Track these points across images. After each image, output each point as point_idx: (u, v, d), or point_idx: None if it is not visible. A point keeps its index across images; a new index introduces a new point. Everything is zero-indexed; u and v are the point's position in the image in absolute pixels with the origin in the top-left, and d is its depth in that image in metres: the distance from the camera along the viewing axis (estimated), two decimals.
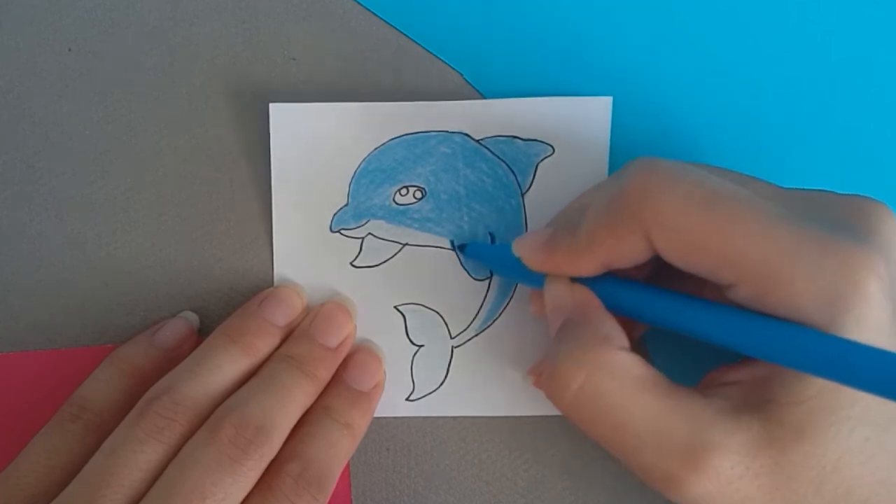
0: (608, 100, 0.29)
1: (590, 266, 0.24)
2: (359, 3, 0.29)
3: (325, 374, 0.27)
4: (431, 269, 0.29)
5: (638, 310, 0.24)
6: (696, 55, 0.30)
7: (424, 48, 0.29)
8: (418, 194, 0.29)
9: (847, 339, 0.19)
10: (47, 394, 0.29)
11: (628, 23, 0.29)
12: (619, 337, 0.23)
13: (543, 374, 0.23)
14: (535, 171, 0.29)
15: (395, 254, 0.29)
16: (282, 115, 0.29)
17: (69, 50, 0.29)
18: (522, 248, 0.25)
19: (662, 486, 0.22)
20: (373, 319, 0.29)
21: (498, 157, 0.29)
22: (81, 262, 0.29)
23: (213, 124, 0.29)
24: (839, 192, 0.24)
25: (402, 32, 0.29)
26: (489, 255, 0.28)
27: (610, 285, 0.24)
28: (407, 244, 0.29)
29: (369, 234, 0.29)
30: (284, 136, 0.29)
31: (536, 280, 0.25)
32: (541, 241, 0.25)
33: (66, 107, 0.29)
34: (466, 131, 0.29)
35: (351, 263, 0.29)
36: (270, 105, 0.29)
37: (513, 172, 0.29)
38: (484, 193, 0.29)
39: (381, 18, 0.29)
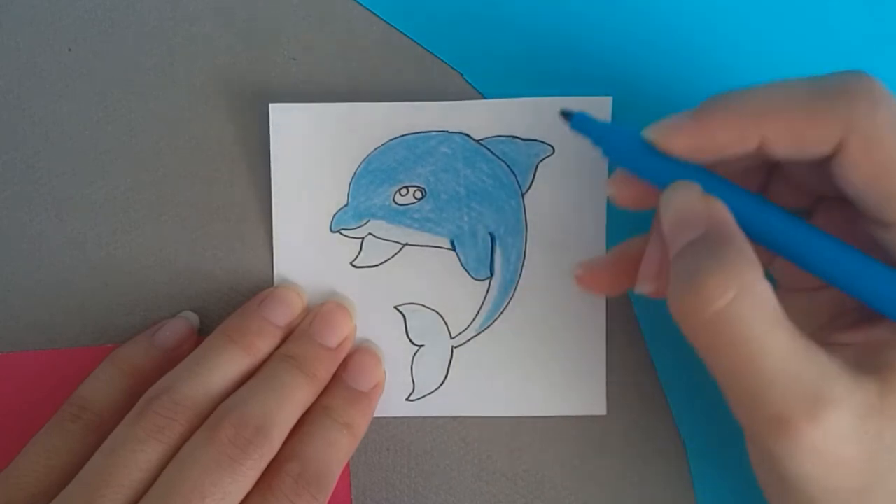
0: (608, 100, 0.29)
1: (747, 140, 0.22)
2: (359, 3, 0.29)
3: (324, 374, 0.27)
4: (431, 269, 0.29)
5: (776, 239, 0.22)
6: (695, 55, 0.30)
7: (424, 48, 0.29)
8: (418, 194, 0.29)
9: None
10: (47, 394, 0.29)
11: (628, 23, 0.29)
12: (760, 266, 0.21)
13: (674, 285, 0.21)
14: (535, 172, 0.29)
15: (395, 254, 0.29)
16: (282, 116, 0.29)
17: (69, 50, 0.29)
18: (661, 128, 0.23)
19: (770, 431, 0.21)
20: (373, 319, 0.29)
21: (498, 157, 0.29)
22: (81, 262, 0.29)
23: (213, 124, 0.29)
24: None
25: (402, 32, 0.29)
26: (604, 134, 0.25)
27: (748, 205, 0.22)
28: (407, 244, 0.29)
29: (369, 234, 0.29)
30: (284, 136, 0.29)
31: (655, 173, 0.23)
32: (687, 117, 0.22)
33: (66, 107, 0.29)
34: (466, 131, 0.29)
35: (351, 263, 0.29)
36: (270, 105, 0.29)
37: (513, 172, 0.29)
38: (484, 193, 0.29)
39: (381, 18, 0.29)
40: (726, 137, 0.22)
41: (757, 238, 0.22)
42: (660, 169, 0.23)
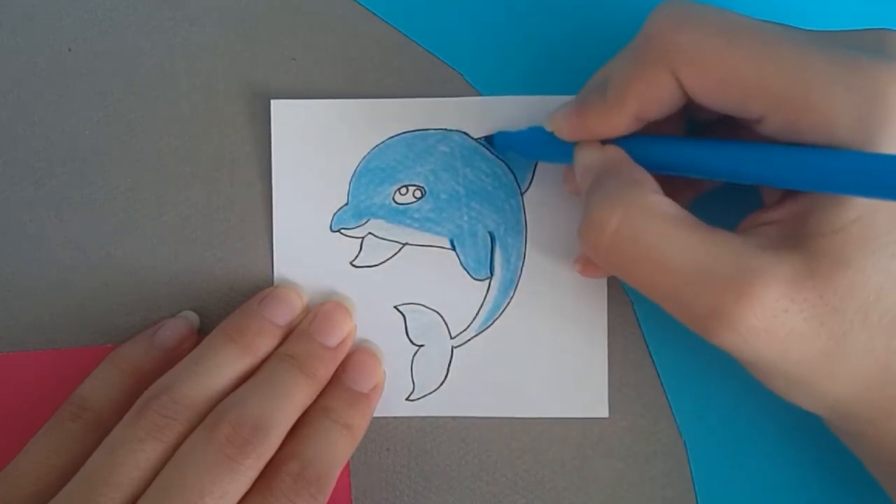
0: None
1: (622, 121, 0.23)
2: (359, 3, 0.29)
3: (324, 373, 0.27)
4: (431, 269, 0.29)
5: (670, 160, 0.23)
6: None
7: (424, 48, 0.29)
8: (418, 193, 0.29)
9: (883, 154, 0.19)
10: (47, 394, 0.29)
11: (627, 23, 0.29)
12: (652, 183, 0.23)
13: (580, 227, 0.23)
14: (535, 171, 0.29)
15: (395, 254, 0.29)
16: (283, 112, 0.29)
17: (69, 50, 0.29)
18: (554, 120, 0.25)
19: (707, 325, 0.21)
20: (373, 319, 0.29)
21: (497, 157, 0.29)
22: (81, 262, 0.29)
23: (213, 124, 0.29)
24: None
25: (402, 32, 0.29)
26: (518, 141, 0.28)
27: (639, 142, 0.24)
28: (407, 244, 0.29)
29: (369, 233, 0.29)
30: (285, 132, 0.29)
31: (569, 155, 0.25)
32: (572, 108, 0.24)
33: (66, 107, 0.29)
34: (465, 129, 0.29)
35: (351, 263, 0.29)
36: (272, 101, 0.29)
37: (512, 172, 0.29)
38: (483, 193, 0.29)
39: (381, 18, 0.29)
40: (602, 129, 0.24)
41: (664, 168, 0.24)
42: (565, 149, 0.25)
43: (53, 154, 0.29)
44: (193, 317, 0.29)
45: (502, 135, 0.28)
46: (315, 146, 0.29)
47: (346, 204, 0.29)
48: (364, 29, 0.29)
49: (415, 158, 0.29)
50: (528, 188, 0.29)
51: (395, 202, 0.29)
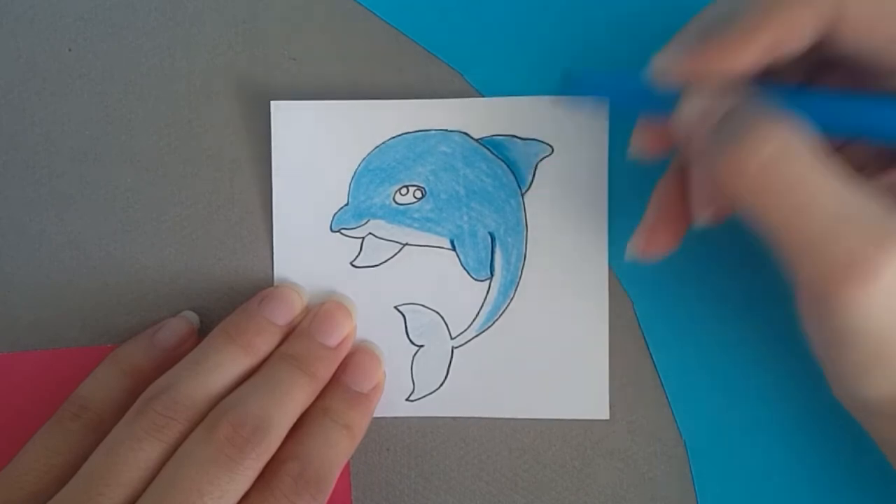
0: (605, 99, 0.29)
1: (751, 56, 0.21)
2: (359, 3, 0.29)
3: (324, 373, 0.27)
4: (431, 269, 0.29)
5: (809, 112, 0.21)
6: None
7: (424, 48, 0.29)
8: (418, 194, 0.29)
9: None
10: (47, 394, 0.29)
11: (627, 23, 0.29)
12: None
13: (716, 152, 0.21)
14: (535, 171, 0.29)
15: (395, 254, 0.29)
16: (283, 113, 0.29)
17: (69, 50, 0.29)
18: (664, 58, 0.23)
19: (837, 280, 0.20)
20: (373, 319, 0.29)
21: (497, 157, 0.29)
22: (81, 262, 0.29)
23: (214, 124, 0.29)
24: None
25: (402, 32, 0.29)
26: (605, 84, 0.25)
27: (769, 91, 0.22)
28: (407, 244, 0.29)
29: (369, 233, 0.29)
30: (285, 133, 0.29)
31: (667, 103, 0.23)
32: (685, 45, 0.22)
33: (66, 107, 0.29)
34: (465, 130, 0.29)
35: (351, 263, 0.29)
36: (272, 102, 0.29)
37: (512, 172, 0.29)
38: (483, 193, 0.29)
39: (381, 18, 0.29)
40: (723, 64, 0.22)
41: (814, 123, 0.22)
42: (670, 99, 0.23)
43: (53, 154, 0.29)
44: (194, 317, 0.29)
45: (583, 75, 0.25)
46: (315, 146, 0.29)
47: (347, 204, 0.29)
48: (364, 29, 0.29)
49: (415, 159, 0.29)
50: (528, 188, 0.29)
51: (396, 202, 0.29)
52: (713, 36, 0.22)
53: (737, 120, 0.21)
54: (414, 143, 0.29)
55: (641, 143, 0.25)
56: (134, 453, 0.24)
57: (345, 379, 0.28)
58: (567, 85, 0.26)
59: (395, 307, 0.29)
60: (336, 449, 0.26)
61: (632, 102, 0.25)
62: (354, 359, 0.28)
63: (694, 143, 0.22)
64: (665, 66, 0.23)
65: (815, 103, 0.22)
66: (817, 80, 0.24)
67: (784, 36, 0.21)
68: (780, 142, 0.20)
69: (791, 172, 0.20)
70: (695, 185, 0.24)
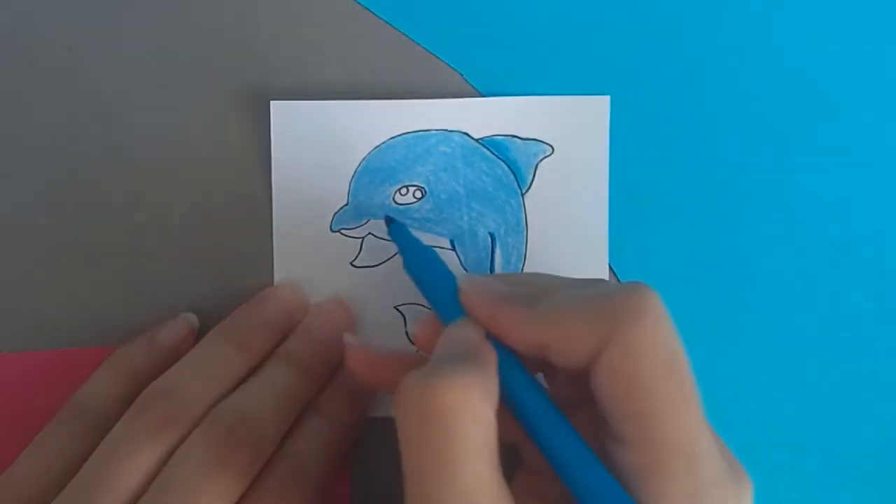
0: (605, 98, 0.29)
1: (526, 343, 0.22)
2: (359, 3, 0.29)
3: (324, 371, 0.27)
4: None
5: (516, 403, 0.22)
6: (694, 53, 0.30)
7: (424, 48, 0.29)
8: (418, 194, 0.29)
9: None
10: (47, 394, 0.29)
11: (626, 22, 0.29)
12: (497, 407, 0.20)
13: (417, 371, 0.20)
14: (535, 171, 0.29)
15: (396, 254, 0.29)
16: (283, 112, 0.29)
17: (69, 50, 0.29)
18: (472, 288, 0.23)
19: None
20: (373, 319, 0.29)
21: (497, 157, 0.29)
22: (82, 261, 0.29)
23: (214, 124, 0.29)
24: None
25: (402, 32, 0.29)
26: (412, 251, 0.26)
27: (515, 375, 0.22)
28: None
29: (369, 233, 0.29)
30: (285, 133, 0.29)
31: (444, 308, 0.24)
32: (495, 291, 0.23)
33: (66, 107, 0.29)
34: (465, 130, 0.29)
35: (351, 263, 0.29)
36: (271, 102, 0.29)
37: (512, 172, 0.29)
38: (484, 193, 0.29)
39: (381, 18, 0.29)
40: (508, 332, 0.22)
41: (514, 410, 0.22)
42: (451, 308, 0.23)
43: (53, 154, 0.29)
44: (193, 318, 0.29)
45: (400, 228, 0.27)
46: (315, 146, 0.29)
47: (346, 204, 0.29)
48: (364, 29, 0.29)
49: (415, 158, 0.29)
50: (528, 188, 0.29)
51: (396, 202, 0.29)
52: (513, 301, 0.22)
53: (455, 357, 0.21)
54: (414, 143, 0.29)
55: (418, 332, 0.25)
56: (133, 456, 0.24)
57: (340, 378, 0.28)
58: (388, 224, 0.27)
59: (395, 307, 0.29)
60: (330, 448, 0.26)
61: (425, 283, 0.25)
62: None
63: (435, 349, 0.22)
64: (471, 295, 0.23)
65: (546, 426, 0.21)
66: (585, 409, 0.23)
67: (561, 348, 0.21)
68: (462, 398, 0.19)
69: (455, 428, 0.19)
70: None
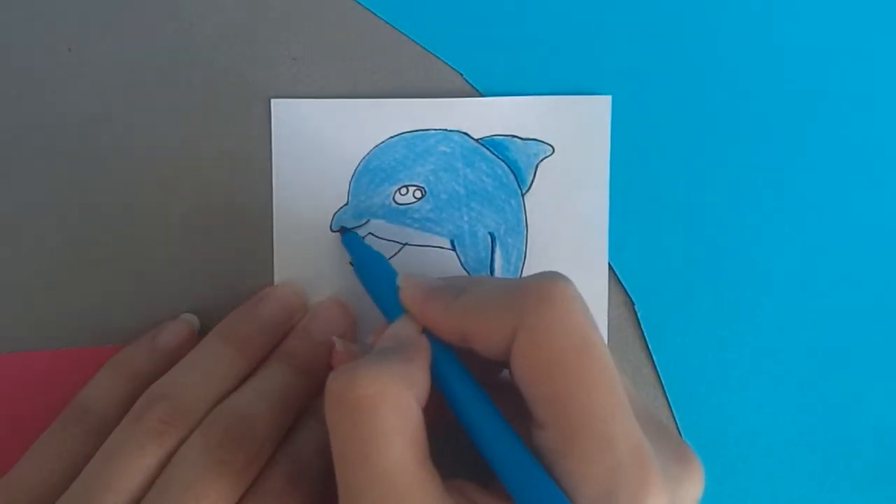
0: (607, 98, 0.29)
1: (451, 333, 0.23)
2: (359, 3, 0.29)
3: (324, 370, 0.27)
4: (432, 270, 0.29)
5: (446, 392, 0.23)
6: (694, 53, 0.30)
7: (424, 48, 0.29)
8: (418, 194, 0.29)
9: None
10: (48, 394, 0.29)
11: (627, 22, 0.29)
12: (424, 395, 0.22)
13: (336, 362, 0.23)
14: (536, 172, 0.29)
15: (395, 254, 0.29)
16: (283, 111, 0.29)
17: (69, 50, 0.29)
18: (407, 284, 0.25)
19: None
20: (373, 319, 0.29)
21: (497, 157, 0.29)
22: (81, 261, 0.29)
23: (214, 124, 0.29)
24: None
25: (402, 32, 0.29)
26: (362, 257, 0.28)
27: (444, 356, 0.23)
28: (407, 244, 0.29)
29: (369, 233, 0.29)
30: (285, 132, 0.29)
31: (389, 308, 0.25)
32: (425, 285, 0.24)
33: (66, 107, 0.29)
34: (465, 130, 0.29)
35: (351, 263, 0.29)
36: (272, 100, 0.29)
37: (512, 172, 0.29)
38: (484, 193, 0.29)
39: (381, 18, 0.29)
40: (432, 323, 0.24)
41: (442, 390, 0.23)
42: (393, 306, 0.25)
43: (53, 154, 0.29)
44: (193, 319, 0.29)
45: (353, 238, 0.28)
46: (315, 146, 0.29)
47: (346, 204, 0.29)
48: (364, 29, 0.29)
49: (415, 158, 0.29)
50: (528, 189, 0.29)
51: (396, 202, 0.29)
52: (438, 294, 0.24)
53: (378, 353, 0.22)
54: (414, 143, 0.29)
55: (374, 339, 0.26)
56: (133, 459, 0.24)
57: None
58: (344, 237, 0.29)
59: None
60: (326, 448, 0.26)
61: (372, 286, 0.27)
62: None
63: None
64: (405, 289, 0.25)
65: (472, 410, 0.22)
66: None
67: (478, 338, 0.22)
68: (379, 392, 0.20)
69: (374, 420, 0.20)
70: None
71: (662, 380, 0.29)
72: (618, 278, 0.29)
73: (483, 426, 0.22)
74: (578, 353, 0.21)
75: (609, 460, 0.20)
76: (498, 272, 0.29)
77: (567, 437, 0.21)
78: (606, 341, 0.29)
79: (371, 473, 0.20)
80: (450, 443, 0.23)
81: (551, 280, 0.22)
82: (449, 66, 0.29)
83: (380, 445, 0.20)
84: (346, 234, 0.29)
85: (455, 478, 0.22)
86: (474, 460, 0.22)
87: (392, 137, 0.29)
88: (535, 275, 0.23)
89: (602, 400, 0.21)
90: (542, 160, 0.29)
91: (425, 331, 0.24)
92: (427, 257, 0.29)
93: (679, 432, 0.29)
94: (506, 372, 0.24)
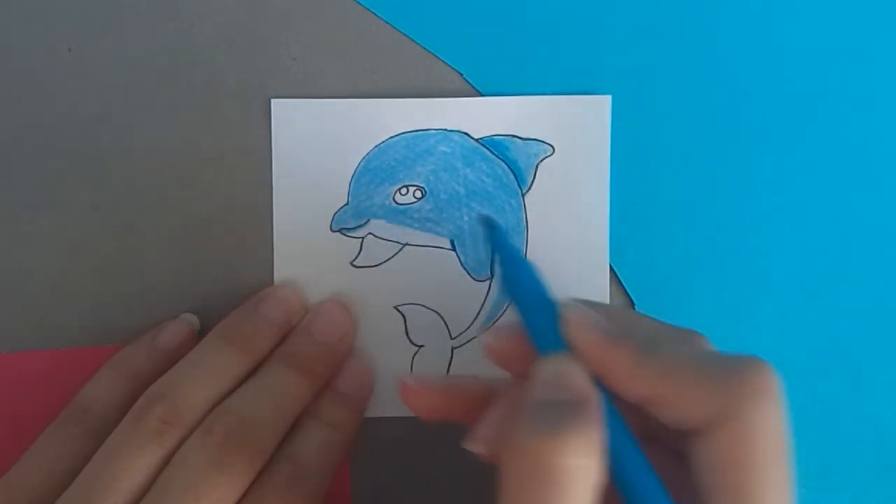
0: (607, 98, 0.29)
1: (642, 392, 0.21)
2: (359, 3, 0.29)
3: (324, 371, 0.27)
4: (431, 269, 0.29)
5: (615, 464, 0.20)
6: (694, 52, 0.30)
7: (424, 48, 0.29)
8: (418, 194, 0.29)
9: None
10: (47, 394, 0.29)
11: (627, 22, 0.29)
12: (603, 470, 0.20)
13: (529, 424, 0.19)
14: (536, 172, 0.29)
15: (395, 254, 0.29)
16: (283, 112, 0.29)
17: (69, 50, 0.29)
18: (578, 321, 0.22)
19: None
20: (373, 319, 0.29)
21: (497, 157, 0.29)
22: (81, 262, 0.29)
23: (214, 124, 0.29)
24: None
25: (402, 32, 0.29)
26: (512, 263, 0.24)
27: (620, 430, 0.21)
28: (407, 244, 0.29)
29: (369, 233, 0.29)
30: (285, 132, 0.29)
31: (542, 334, 0.22)
32: (604, 328, 0.21)
33: (66, 107, 0.29)
34: (465, 130, 0.29)
35: (351, 263, 0.29)
36: (272, 100, 0.29)
37: (513, 172, 0.29)
38: (484, 193, 0.29)
39: (381, 18, 0.29)
40: (616, 374, 0.21)
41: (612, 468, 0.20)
42: (549, 335, 0.22)
43: (53, 154, 0.29)
44: (193, 319, 0.29)
45: (502, 237, 0.25)
46: (315, 146, 0.29)
47: (346, 204, 0.29)
48: (364, 29, 0.29)
49: (415, 158, 0.29)
50: (529, 189, 0.29)
51: (396, 202, 0.29)
52: (626, 344, 0.21)
53: (568, 412, 0.19)
54: (414, 143, 0.29)
55: (496, 345, 0.23)
56: (133, 459, 0.24)
57: (333, 381, 0.28)
58: (489, 229, 0.25)
59: (395, 307, 0.29)
60: (328, 449, 0.26)
61: (526, 311, 0.23)
62: (345, 364, 0.28)
63: (529, 387, 0.21)
64: (575, 325, 0.22)
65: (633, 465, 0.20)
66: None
67: (668, 403, 0.21)
68: (584, 464, 0.19)
69: (568, 496, 0.18)
70: (486, 423, 0.22)
71: None
72: (618, 278, 0.29)
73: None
74: (776, 458, 0.20)
75: None
76: (498, 272, 0.29)
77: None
78: None
79: None
80: None
81: (766, 373, 0.20)
82: (449, 66, 0.29)
83: None
84: (494, 230, 0.25)
85: None
86: None
87: (392, 137, 0.29)
88: (745, 359, 0.21)
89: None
90: (542, 160, 0.29)
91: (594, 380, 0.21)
92: (427, 257, 0.29)
93: None
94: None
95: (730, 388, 0.20)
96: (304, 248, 0.29)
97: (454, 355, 0.29)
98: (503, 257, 0.24)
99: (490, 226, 0.26)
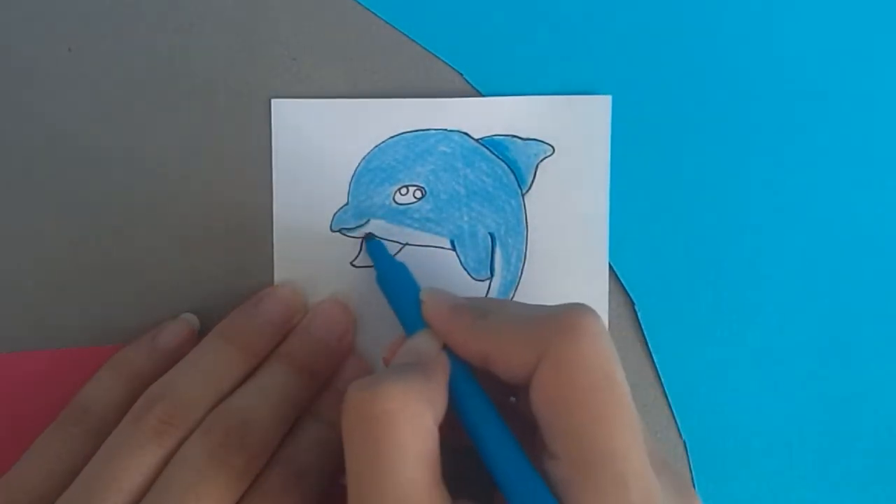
0: (607, 98, 0.29)
1: (472, 353, 0.23)
2: (359, 3, 0.29)
3: (324, 370, 0.27)
4: (431, 269, 0.29)
5: (462, 412, 0.23)
6: (694, 53, 0.30)
7: (424, 48, 0.29)
8: (418, 194, 0.29)
9: None
10: (47, 394, 0.29)
11: (627, 22, 0.29)
12: (441, 414, 0.22)
13: (356, 382, 0.21)
14: (536, 172, 0.29)
15: (396, 254, 0.29)
16: (283, 112, 0.29)
17: (69, 50, 0.29)
18: (431, 298, 0.25)
19: None
20: (373, 319, 0.29)
21: (497, 157, 0.29)
22: (81, 262, 0.29)
23: (214, 124, 0.29)
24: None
25: (402, 32, 0.29)
26: (385, 266, 0.28)
27: (466, 382, 0.23)
28: (407, 244, 0.29)
29: (370, 233, 0.29)
30: (285, 132, 0.29)
31: (409, 321, 0.25)
32: (451, 302, 0.24)
33: (66, 107, 0.29)
34: (465, 130, 0.29)
35: (351, 263, 0.29)
36: (273, 100, 0.29)
37: (513, 172, 0.29)
38: (484, 193, 0.29)
39: (381, 18, 0.29)
40: (455, 341, 0.24)
41: (461, 419, 0.23)
42: (414, 319, 0.25)
43: (53, 154, 0.29)
44: (193, 319, 0.29)
45: (377, 246, 0.29)
46: (315, 146, 0.29)
47: (347, 204, 0.29)
48: (364, 29, 0.29)
49: (415, 158, 0.29)
50: (529, 189, 0.29)
51: (396, 202, 0.29)
52: (464, 315, 0.24)
53: (398, 368, 0.22)
54: (414, 143, 0.29)
55: (389, 356, 0.26)
56: (133, 459, 0.24)
57: (333, 380, 0.28)
58: (366, 241, 0.29)
59: None
60: (327, 449, 0.26)
61: (394, 298, 0.27)
62: (344, 363, 0.28)
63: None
64: (428, 303, 0.25)
65: (487, 433, 0.22)
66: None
67: (500, 361, 0.22)
68: (400, 408, 0.20)
69: (393, 436, 0.20)
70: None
71: (662, 380, 0.29)
72: (618, 278, 0.29)
73: (496, 448, 0.22)
74: (600, 389, 0.21)
75: (621, 499, 0.20)
76: (498, 272, 0.29)
77: (580, 471, 0.20)
78: None
79: (384, 489, 0.20)
80: (458, 463, 0.22)
81: (579, 312, 0.22)
82: (449, 66, 0.29)
83: (395, 462, 0.20)
84: (371, 241, 0.29)
85: (460, 499, 0.21)
86: (480, 482, 0.22)
87: (392, 137, 0.29)
88: (563, 305, 0.22)
89: (620, 438, 0.20)
90: (542, 160, 0.29)
91: (445, 348, 0.24)
92: (427, 257, 0.29)
93: (679, 433, 0.29)
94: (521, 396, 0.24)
95: (544, 332, 0.21)
96: (304, 248, 0.29)
97: None
98: (377, 262, 0.28)
99: (369, 238, 0.29)
